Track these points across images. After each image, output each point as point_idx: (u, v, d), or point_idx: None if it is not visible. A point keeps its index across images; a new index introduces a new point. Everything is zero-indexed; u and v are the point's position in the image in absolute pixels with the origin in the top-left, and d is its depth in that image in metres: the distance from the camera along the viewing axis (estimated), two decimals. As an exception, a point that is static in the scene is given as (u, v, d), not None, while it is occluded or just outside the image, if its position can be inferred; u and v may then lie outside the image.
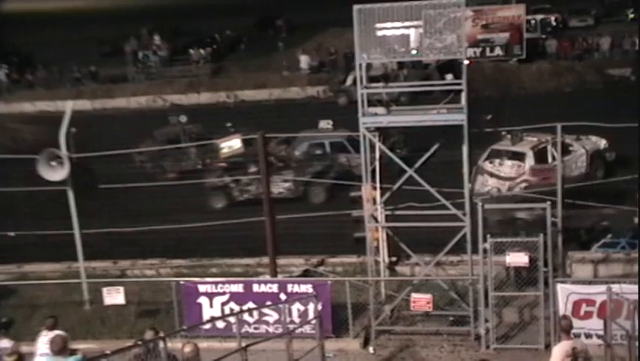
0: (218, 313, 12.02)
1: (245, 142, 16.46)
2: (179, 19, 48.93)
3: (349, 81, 30.56)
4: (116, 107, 35.80)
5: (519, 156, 18.60)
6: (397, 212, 12.51)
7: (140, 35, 44.53)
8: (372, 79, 13.23)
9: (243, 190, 19.52)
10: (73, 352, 8.65)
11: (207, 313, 12.16)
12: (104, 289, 12.55)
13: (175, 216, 15.70)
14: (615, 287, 10.62)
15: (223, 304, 12.19)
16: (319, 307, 11.39)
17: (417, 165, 11.97)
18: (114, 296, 12.47)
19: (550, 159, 18.17)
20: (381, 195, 12.35)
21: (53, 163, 13.05)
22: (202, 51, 41.11)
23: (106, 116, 33.28)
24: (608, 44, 36.04)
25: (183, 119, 24.19)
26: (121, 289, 12.48)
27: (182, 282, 12.47)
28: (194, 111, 28.51)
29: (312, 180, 19.54)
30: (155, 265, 14.86)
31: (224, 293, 12.21)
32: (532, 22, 38.28)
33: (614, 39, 36.12)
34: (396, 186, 12.32)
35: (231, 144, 15.91)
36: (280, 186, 19.08)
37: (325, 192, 19.16)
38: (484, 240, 11.17)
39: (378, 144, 12.04)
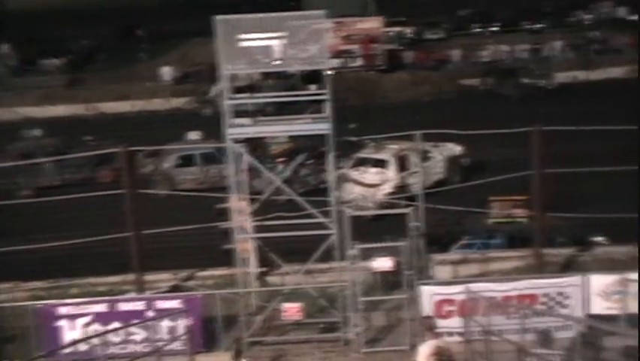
0: (81, 336, 11.42)
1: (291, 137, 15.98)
2: (31, 27, 46.20)
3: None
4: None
5: (382, 164, 19.22)
6: (266, 222, 12.51)
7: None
8: (237, 89, 13.16)
9: (303, 182, 19.05)
10: None
11: (69, 336, 11.51)
12: (-50, 319, 11.55)
13: (33, 235, 14.75)
14: (473, 286, 11.23)
15: (86, 325, 11.60)
16: (189, 322, 11.12)
17: (285, 174, 12.04)
18: (-39, 325, 11.51)
19: (411, 166, 18.93)
20: (250, 205, 12.30)
21: None
22: (56, 61, 39.13)
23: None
24: (459, 56, 38.42)
25: (37, 132, 22.93)
26: (-31, 317, 11.55)
27: (38, 305, 11.74)
28: (50, 124, 27.02)
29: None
30: (8, 289, 13.88)
31: (86, 314, 11.63)
32: (390, 34, 39.95)
33: (464, 51, 38.56)
34: (264, 197, 12.33)
35: (279, 140, 15.55)
36: None
37: None
38: (351, 247, 11.42)
39: (245, 155, 11.99)
